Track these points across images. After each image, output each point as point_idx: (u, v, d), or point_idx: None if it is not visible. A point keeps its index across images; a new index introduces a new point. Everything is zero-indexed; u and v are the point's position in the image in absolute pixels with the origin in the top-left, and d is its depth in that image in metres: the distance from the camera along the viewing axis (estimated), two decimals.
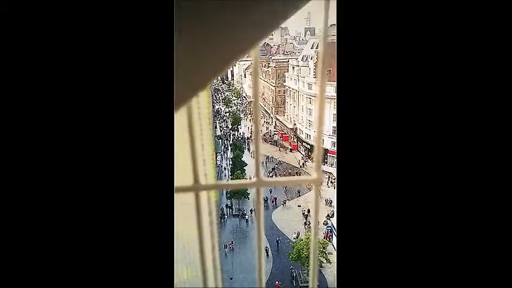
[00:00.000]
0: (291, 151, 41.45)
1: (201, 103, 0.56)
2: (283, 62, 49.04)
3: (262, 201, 0.68)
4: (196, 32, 0.47)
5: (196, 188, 0.57)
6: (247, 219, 25.67)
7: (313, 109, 37.58)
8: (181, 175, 0.57)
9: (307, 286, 18.82)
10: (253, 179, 0.63)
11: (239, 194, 25.30)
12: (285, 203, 27.68)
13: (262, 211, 0.67)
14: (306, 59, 41.96)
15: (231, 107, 62.76)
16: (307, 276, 19.20)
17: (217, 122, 53.19)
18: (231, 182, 0.76)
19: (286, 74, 46.47)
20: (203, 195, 0.59)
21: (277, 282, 19.03)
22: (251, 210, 25.68)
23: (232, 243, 22.34)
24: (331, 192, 25.40)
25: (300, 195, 28.76)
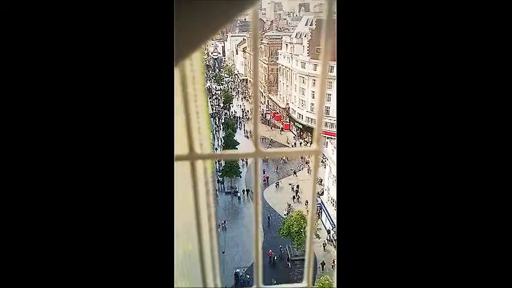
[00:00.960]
0: (282, 130, 41.55)
1: (195, 66, 0.51)
2: (277, 38, 47.71)
3: (260, 172, 0.66)
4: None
5: (191, 156, 0.54)
6: (239, 197, 26.17)
7: (306, 88, 37.26)
8: (175, 144, 0.53)
9: (296, 259, 19.79)
10: (252, 150, 0.61)
11: (231, 172, 25.55)
12: (278, 184, 28.19)
13: (260, 182, 0.65)
14: (300, 36, 40.92)
15: (223, 84, 61.59)
16: (297, 250, 20.08)
17: (208, 100, 52.43)
18: (228, 151, 0.74)
19: (279, 51, 45.39)
20: (199, 164, 0.56)
21: (270, 251, 19.91)
22: (243, 191, 26.19)
23: (224, 222, 22.95)
24: (321, 171, 25.96)
25: (296, 175, 29.22)
